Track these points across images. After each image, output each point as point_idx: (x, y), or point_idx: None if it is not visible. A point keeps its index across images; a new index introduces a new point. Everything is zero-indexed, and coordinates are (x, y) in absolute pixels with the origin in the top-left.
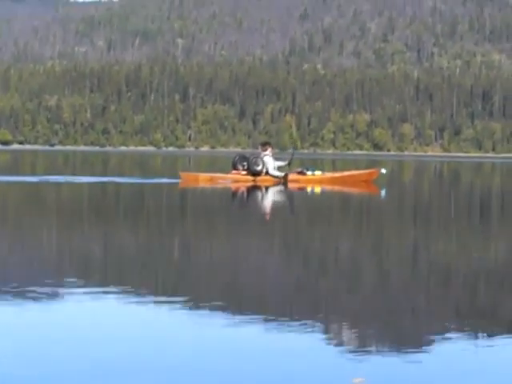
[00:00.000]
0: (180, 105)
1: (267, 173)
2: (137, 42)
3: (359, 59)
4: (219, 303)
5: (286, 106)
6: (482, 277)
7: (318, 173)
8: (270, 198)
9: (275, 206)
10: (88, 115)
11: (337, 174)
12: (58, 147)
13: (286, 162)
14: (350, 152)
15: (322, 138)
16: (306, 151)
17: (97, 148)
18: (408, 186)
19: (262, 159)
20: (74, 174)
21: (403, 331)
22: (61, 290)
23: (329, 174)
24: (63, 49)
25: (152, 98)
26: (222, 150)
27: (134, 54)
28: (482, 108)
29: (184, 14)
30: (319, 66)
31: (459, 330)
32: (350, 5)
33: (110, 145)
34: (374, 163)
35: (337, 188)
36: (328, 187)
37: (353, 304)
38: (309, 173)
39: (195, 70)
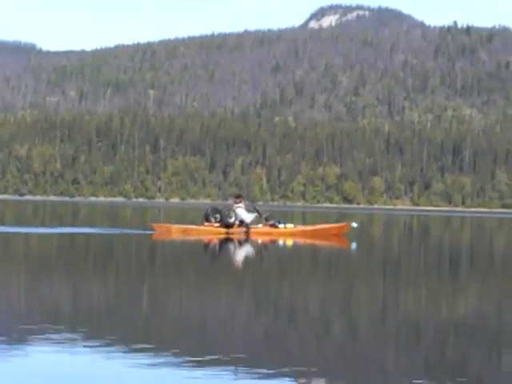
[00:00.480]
0: (150, 156)
1: (241, 224)
2: (108, 92)
3: (330, 112)
4: (189, 353)
5: (256, 158)
6: (451, 330)
7: (289, 226)
8: (241, 250)
9: (247, 258)
10: (58, 165)
11: (308, 228)
12: (28, 197)
13: (257, 214)
14: (319, 205)
15: (292, 191)
16: (275, 203)
17: (66, 198)
18: (378, 239)
19: (234, 211)
20: (43, 225)
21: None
22: (30, 339)
23: (300, 227)
24: (35, 99)
25: (122, 148)
26: (192, 201)
27: (106, 104)
28: (451, 162)
29: (156, 65)
30: (290, 119)
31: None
32: (322, 58)
33: (79, 195)
34: (343, 216)
35: (308, 241)
36: (300, 240)
37: (322, 356)
38: (281, 226)
39: (166, 121)
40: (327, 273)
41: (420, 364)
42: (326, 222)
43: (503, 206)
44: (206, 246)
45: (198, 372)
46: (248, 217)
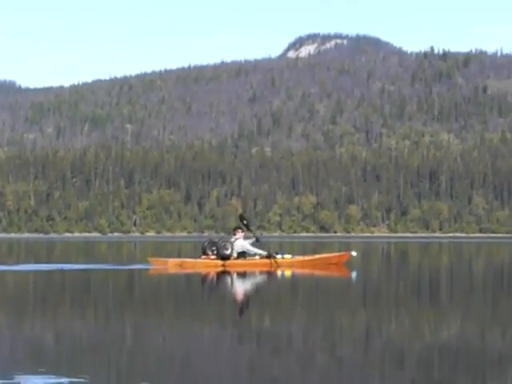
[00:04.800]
0: (125, 190)
1: (239, 256)
2: (86, 127)
3: (308, 141)
4: None
5: (231, 190)
6: (436, 356)
7: (287, 256)
8: (239, 283)
9: (245, 290)
10: (32, 202)
11: (307, 257)
12: (2, 235)
13: (254, 240)
14: (296, 234)
15: (269, 221)
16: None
17: (41, 235)
18: (361, 267)
19: (231, 243)
20: (17, 263)
21: None
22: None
23: (299, 258)
24: (12, 136)
25: (97, 183)
26: (168, 234)
27: (83, 140)
28: (428, 188)
29: (133, 99)
30: (268, 149)
31: None
32: (299, 88)
33: (54, 231)
34: (321, 246)
35: (307, 271)
36: (298, 271)
37: None
38: (278, 256)
39: (141, 154)
40: (332, 302)
41: None
42: (305, 253)
43: (481, 231)
44: (204, 279)
45: None
46: (250, 248)
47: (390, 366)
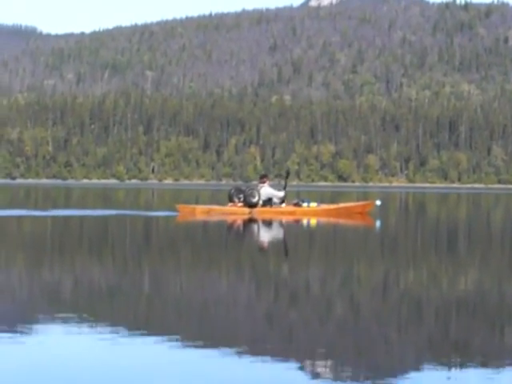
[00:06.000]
0: (143, 137)
1: (266, 204)
2: (106, 74)
3: (328, 90)
4: (191, 334)
5: (250, 138)
6: (454, 307)
7: (313, 204)
8: (265, 231)
9: (271, 239)
10: (50, 148)
11: (332, 206)
12: (20, 180)
13: (283, 192)
14: (314, 183)
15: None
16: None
17: (59, 181)
18: (380, 217)
19: (257, 191)
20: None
21: (377, 363)
22: (33, 326)
23: (324, 206)
24: (32, 82)
25: (115, 130)
26: (186, 182)
27: (104, 86)
28: (448, 139)
29: (153, 46)
30: (288, 98)
31: (432, 361)
32: (320, 36)
33: (72, 178)
34: (338, 195)
35: (332, 220)
36: (323, 219)
37: (326, 336)
38: (304, 204)
39: (160, 101)
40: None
41: (423, 341)
42: (323, 202)
43: (499, 182)
44: (230, 226)
45: (202, 354)
46: (277, 193)
47: (406, 317)
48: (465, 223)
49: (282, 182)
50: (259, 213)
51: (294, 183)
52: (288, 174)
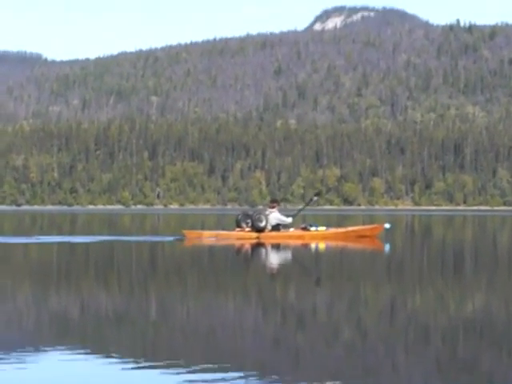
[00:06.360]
0: (149, 162)
1: (274, 229)
2: (111, 100)
3: (333, 114)
4: (199, 361)
5: (255, 162)
6: (461, 330)
7: (321, 228)
8: (273, 256)
9: (279, 263)
10: (55, 174)
11: (340, 230)
12: (25, 207)
13: (291, 219)
14: (319, 207)
15: (292, 194)
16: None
17: (64, 207)
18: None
19: (265, 215)
20: (66, 234)
21: None
22: (39, 352)
23: (332, 230)
24: (37, 109)
25: (120, 156)
26: (191, 207)
27: (109, 112)
28: (453, 161)
29: (158, 71)
30: (293, 122)
31: (440, 383)
32: (324, 60)
33: (77, 204)
34: (345, 219)
35: (340, 244)
36: (332, 243)
37: (332, 359)
38: (312, 228)
39: (165, 127)
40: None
41: (431, 364)
42: (329, 226)
43: (505, 204)
44: (238, 250)
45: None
46: (284, 219)
47: (414, 340)
48: (471, 245)
49: (301, 205)
50: (267, 237)
51: (300, 207)
52: (317, 195)
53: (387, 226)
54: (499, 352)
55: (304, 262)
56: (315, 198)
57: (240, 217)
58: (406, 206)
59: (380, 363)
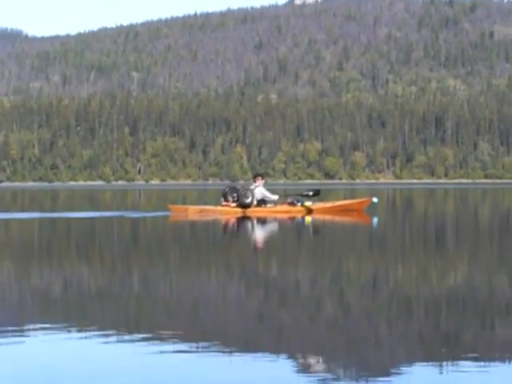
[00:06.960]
0: (129, 138)
1: (260, 204)
2: (92, 76)
3: (314, 88)
4: (182, 335)
5: (236, 137)
6: (444, 302)
7: (307, 204)
8: (259, 230)
9: (261, 238)
10: (36, 151)
11: (328, 204)
12: (6, 184)
13: (277, 196)
14: (301, 181)
15: (273, 169)
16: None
17: (45, 184)
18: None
19: (251, 191)
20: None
21: (368, 360)
22: (23, 329)
23: (320, 204)
24: (18, 85)
25: (101, 132)
26: (173, 182)
27: (89, 88)
28: (434, 134)
29: (139, 46)
30: (274, 97)
31: (424, 356)
32: (305, 34)
33: (58, 180)
34: (326, 193)
35: (327, 217)
36: (319, 217)
37: (315, 334)
38: (298, 204)
39: (145, 102)
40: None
41: (414, 337)
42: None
43: (486, 177)
44: (225, 225)
45: (192, 353)
46: (270, 196)
47: (397, 313)
48: (452, 218)
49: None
50: (253, 213)
51: (281, 181)
52: (316, 194)
53: (375, 200)
54: (482, 324)
55: (289, 236)
56: (310, 193)
57: (227, 190)
58: (387, 179)
59: (363, 337)
